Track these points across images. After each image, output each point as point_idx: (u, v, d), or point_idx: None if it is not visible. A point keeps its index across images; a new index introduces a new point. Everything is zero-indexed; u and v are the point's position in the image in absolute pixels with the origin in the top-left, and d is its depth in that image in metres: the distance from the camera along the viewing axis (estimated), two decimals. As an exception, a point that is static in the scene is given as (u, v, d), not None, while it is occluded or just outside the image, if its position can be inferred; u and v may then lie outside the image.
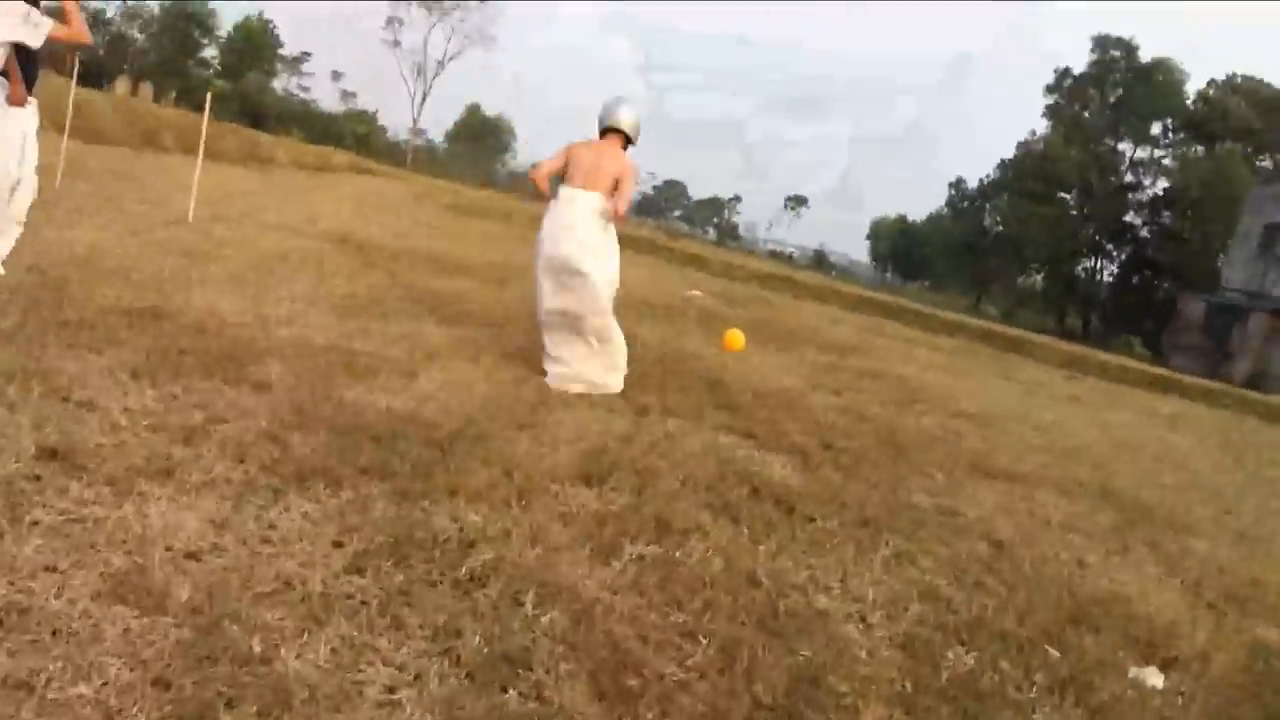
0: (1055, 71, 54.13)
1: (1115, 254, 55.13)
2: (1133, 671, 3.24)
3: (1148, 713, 2.94)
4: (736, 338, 9.40)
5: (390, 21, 63.65)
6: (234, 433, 3.42)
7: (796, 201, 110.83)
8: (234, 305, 5.59)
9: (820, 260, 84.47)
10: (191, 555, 2.43)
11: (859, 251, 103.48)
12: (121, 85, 44.57)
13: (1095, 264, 55.93)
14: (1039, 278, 59.20)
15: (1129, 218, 53.44)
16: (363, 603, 2.40)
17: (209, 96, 10.91)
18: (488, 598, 2.59)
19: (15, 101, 4.70)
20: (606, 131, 5.62)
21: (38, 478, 2.64)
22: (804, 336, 12.09)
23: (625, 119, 5.59)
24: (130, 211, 8.60)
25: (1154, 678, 3.24)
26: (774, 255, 79.37)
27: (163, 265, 6.28)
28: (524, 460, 3.91)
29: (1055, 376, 16.87)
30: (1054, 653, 3.21)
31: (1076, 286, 56.13)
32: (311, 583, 2.43)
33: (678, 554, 3.25)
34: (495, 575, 2.72)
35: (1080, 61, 55.01)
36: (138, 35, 59.26)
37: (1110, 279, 56.14)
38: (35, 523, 2.39)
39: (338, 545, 2.70)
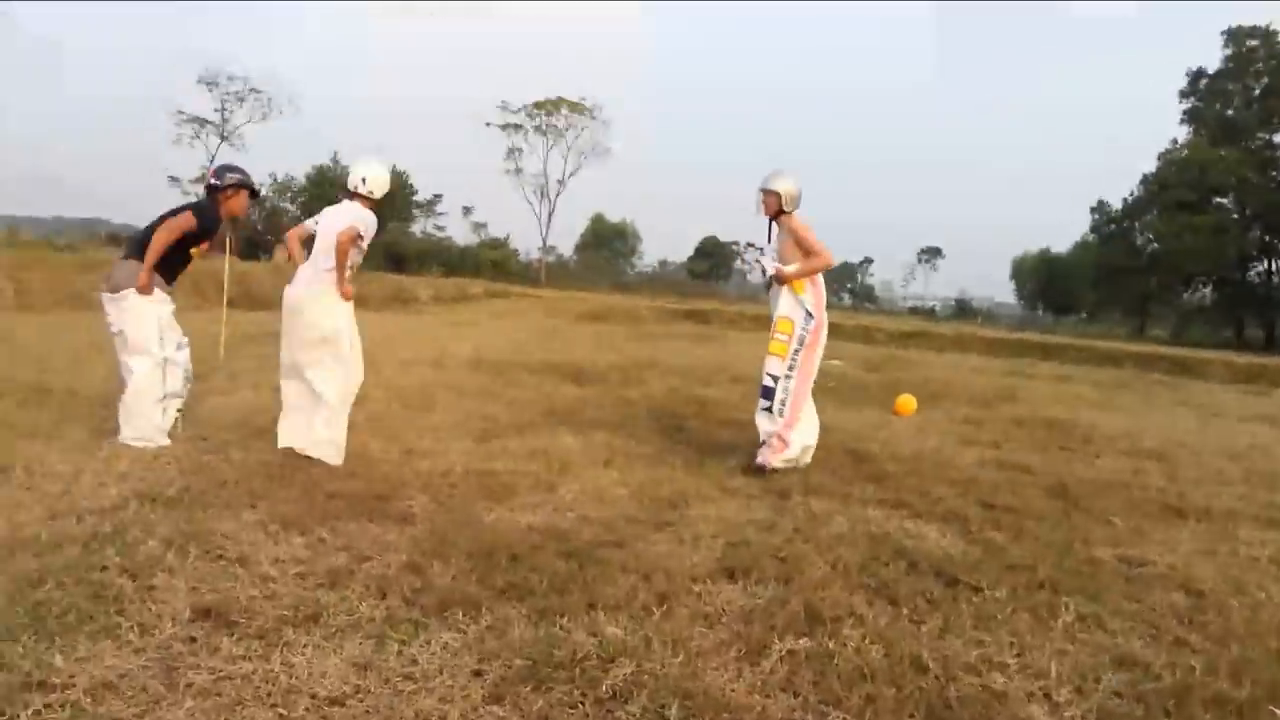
0: (1188, 73, 51.28)
1: (1291, 253, 50.73)
2: (1383, 728, 2.79)
3: None
4: (909, 403, 9.14)
5: (510, 152, 67.28)
6: (377, 569, 3.49)
7: (931, 253, 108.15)
8: (379, 445, 5.83)
9: (963, 309, 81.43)
10: (335, 701, 2.45)
11: (1004, 293, 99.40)
12: (280, 253, 48.52)
13: (1269, 266, 51.49)
14: (1207, 291, 54.91)
15: (1299, 212, 49.22)
16: (503, 734, 2.35)
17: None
18: (630, 715, 2.49)
19: (142, 289, 5.20)
20: (760, 193, 5.78)
21: (193, 639, 2.76)
22: (947, 391, 11.56)
23: (773, 182, 5.71)
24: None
25: None
26: (914, 312, 77.25)
27: (313, 415, 6.63)
28: (663, 562, 3.82)
29: (1238, 395, 15.45)
30: (1281, 714, 2.80)
31: (1252, 294, 51.71)
32: (451, 718, 2.40)
33: (831, 645, 3.05)
34: (637, 690, 2.62)
35: (1213, 59, 52.05)
36: (289, 206, 64.81)
37: (1290, 280, 51.52)
38: (189, 685, 2.48)
39: (477, 674, 2.68)
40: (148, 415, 5.24)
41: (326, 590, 3.24)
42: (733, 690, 2.69)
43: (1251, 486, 6.57)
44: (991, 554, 4.28)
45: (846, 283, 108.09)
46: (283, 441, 5.38)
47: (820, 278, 5.81)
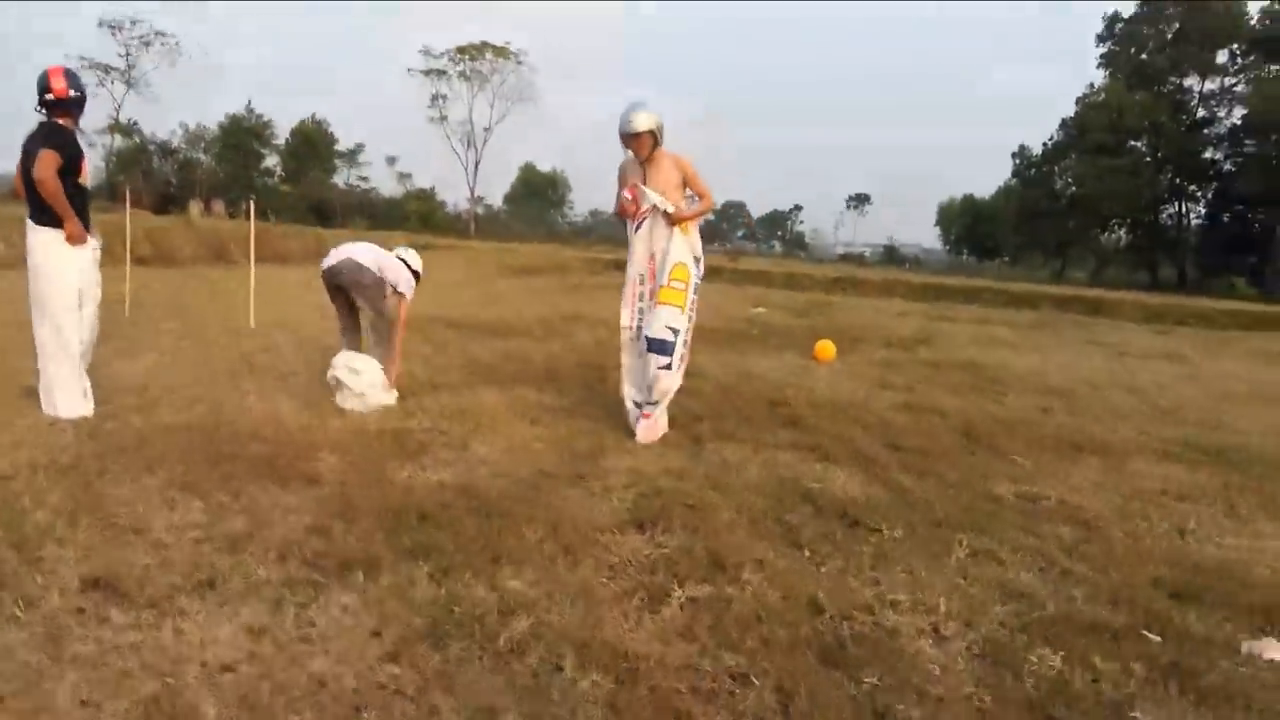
0: (1104, 18, 52.28)
1: (1200, 195, 52.52)
2: (1246, 646, 2.97)
3: (1265, 691, 2.67)
4: (828, 348, 9.30)
5: (434, 99, 65.59)
6: (279, 533, 3.44)
7: (859, 200, 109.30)
8: (291, 405, 5.70)
9: (891, 255, 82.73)
10: (226, 668, 2.42)
11: (932, 239, 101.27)
12: (194, 208, 46.69)
13: (1180, 208, 53.33)
14: (1122, 233, 56.73)
15: (1209, 154, 50.86)
16: (397, 693, 2.35)
17: (251, 203, 11.33)
18: (527, 668, 2.51)
19: (75, 239, 4.93)
20: (631, 139, 5.26)
21: (80, 610, 2.68)
22: (868, 336, 11.78)
23: (643, 122, 5.16)
24: (193, 330, 8.92)
25: (1272, 650, 2.96)
26: (845, 259, 78.21)
27: (221, 378, 6.47)
28: (574, 514, 3.84)
29: (1146, 334, 16.07)
30: (1154, 638, 2.96)
31: (1164, 235, 53.60)
32: (345, 679, 2.39)
33: (731, 590, 3.12)
34: (535, 642, 2.64)
35: (1128, 4, 53.22)
36: (203, 157, 62.33)
37: (1199, 221, 53.47)
38: (74, 657, 2.42)
39: (375, 635, 2.66)
40: (71, 383, 5.03)
41: (224, 555, 3.17)
42: (631, 638, 2.73)
43: (1150, 420, 6.88)
44: (895, 495, 4.41)
45: (777, 230, 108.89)
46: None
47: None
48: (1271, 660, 2.89)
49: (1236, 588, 3.44)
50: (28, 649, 2.46)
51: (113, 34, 54.70)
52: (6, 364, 6.01)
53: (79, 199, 5.02)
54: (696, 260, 5.32)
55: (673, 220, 5.22)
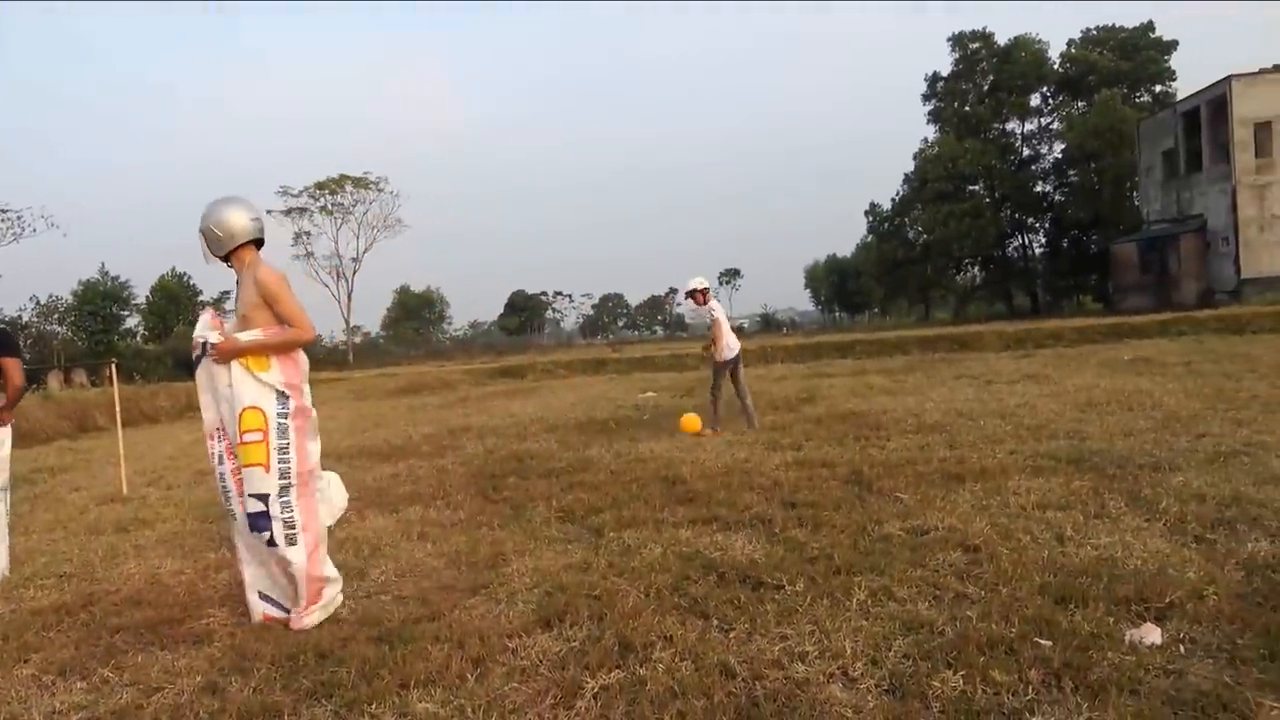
0: (925, 79, 56.54)
1: (1038, 225, 56.50)
2: (1129, 635, 3.15)
3: (1150, 673, 2.83)
4: (692, 421, 9.56)
5: (298, 237, 64.89)
6: (169, 698, 3.26)
7: (730, 274, 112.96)
8: (172, 565, 5.45)
9: (767, 322, 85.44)
10: None
11: (803, 302, 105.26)
12: (54, 380, 44.24)
13: (1023, 240, 57.24)
14: (976, 270, 60.32)
15: (1039, 188, 55.03)
16: (308, 841, 2.25)
17: (113, 368, 10.91)
18: (443, 789, 2.45)
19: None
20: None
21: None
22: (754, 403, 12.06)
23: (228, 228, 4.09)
24: (63, 503, 8.45)
25: (1151, 634, 3.15)
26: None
27: (96, 548, 6.13)
28: (479, 625, 3.78)
29: (1010, 360, 17.00)
30: (1044, 643, 3.11)
31: (1013, 267, 57.27)
32: (251, 838, 2.28)
33: (643, 671, 3.12)
34: (449, 762, 2.58)
35: (945, 64, 57.67)
36: (59, 328, 59.52)
37: (1042, 249, 57.41)
38: None
39: (280, 786, 2.55)
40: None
41: (110, 734, 2.99)
42: (547, 738, 2.70)
43: (1019, 441, 7.26)
44: (793, 550, 4.51)
45: (657, 315, 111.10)
46: None
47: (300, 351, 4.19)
48: (1153, 644, 3.07)
49: (1112, 583, 3.65)
50: None
51: (-53, 215, 52.19)
52: None
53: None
54: (282, 395, 4.03)
55: (220, 354, 3.99)
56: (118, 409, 10.28)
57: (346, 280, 66.42)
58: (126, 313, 62.43)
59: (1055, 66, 53.03)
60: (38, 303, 59.07)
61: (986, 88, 54.42)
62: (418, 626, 3.81)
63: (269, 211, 63.63)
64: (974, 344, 21.90)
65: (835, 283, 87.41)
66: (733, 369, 9.79)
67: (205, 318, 4.15)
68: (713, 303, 9.98)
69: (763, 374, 18.48)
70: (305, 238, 64.95)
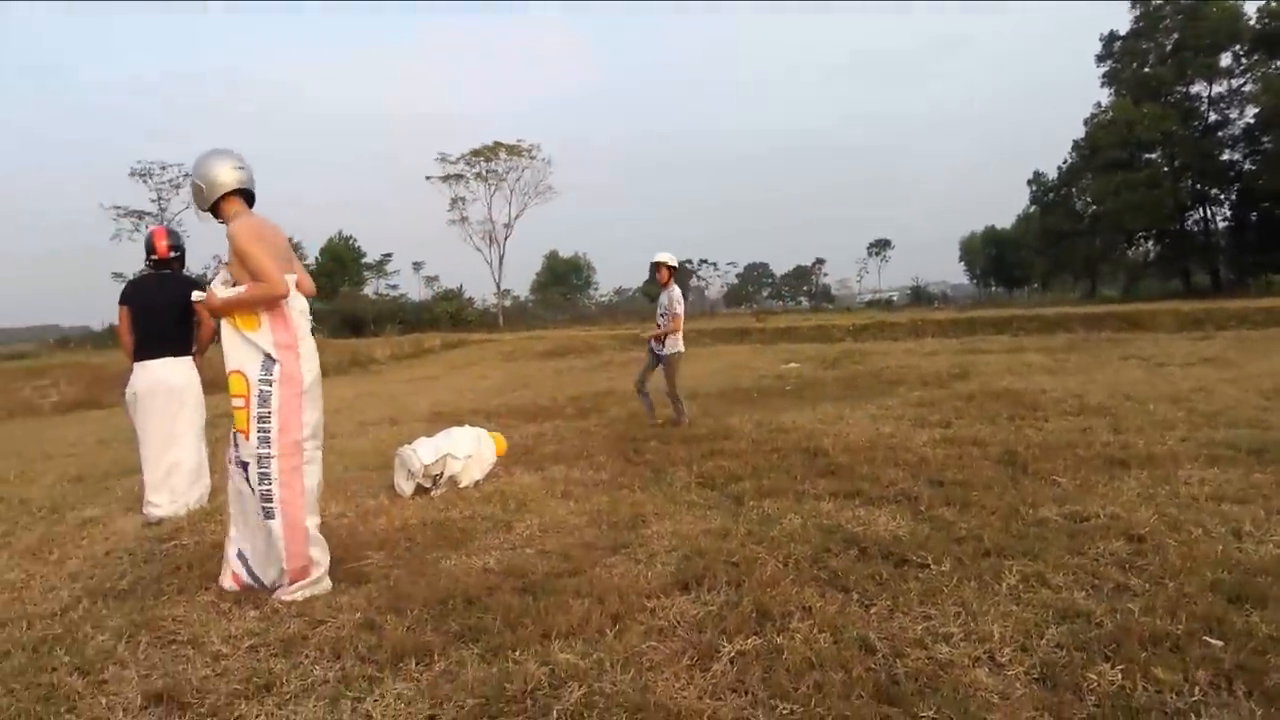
0: (1101, 38, 52.70)
1: (1224, 197, 52.00)
2: (1313, 640, 2.89)
3: (1337, 683, 2.60)
4: (500, 442, 7.37)
5: (454, 202, 67.54)
6: (331, 632, 3.49)
7: (880, 245, 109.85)
8: (335, 508, 5.80)
9: (919, 296, 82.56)
10: (288, 767, 2.46)
11: (958, 275, 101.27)
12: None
13: (1206, 213, 52.82)
14: (1150, 245, 56.13)
15: (1226, 156, 50.50)
16: (456, 774, 2.37)
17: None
18: (581, 738, 2.52)
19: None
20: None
21: (144, 726, 2.75)
22: (903, 377, 11.72)
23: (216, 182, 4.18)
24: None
25: (1341, 642, 2.88)
26: (872, 305, 78.15)
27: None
28: (618, 583, 3.85)
29: (1185, 342, 15.81)
30: (1215, 643, 2.90)
31: (1192, 242, 52.96)
32: (404, 766, 2.42)
33: (780, 640, 3.11)
34: (588, 711, 2.65)
35: (1123, 22, 53.58)
36: (239, 290, 64.15)
37: (1226, 223, 52.82)
38: (140, 773, 2.48)
39: (431, 719, 2.69)
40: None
41: (280, 659, 3.23)
42: (683, 698, 2.73)
43: (1193, 428, 6.76)
44: (939, 529, 4.37)
45: (802, 285, 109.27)
46: None
47: (289, 307, 4.03)
48: (1341, 652, 2.81)
49: (1298, 583, 3.36)
50: (97, 769, 2.52)
51: (143, 181, 57.05)
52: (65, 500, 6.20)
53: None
54: (268, 358, 3.92)
55: (211, 309, 4.01)
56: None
57: (499, 245, 68.66)
58: (302, 270, 66.71)
59: (1251, 22, 48.14)
60: (220, 262, 63.93)
61: (1170, 47, 50.11)
62: (560, 580, 3.93)
63: (427, 178, 66.44)
64: (1145, 323, 20.48)
65: (992, 255, 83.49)
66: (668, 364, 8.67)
67: (224, 272, 4.10)
68: (675, 290, 8.70)
69: (913, 348, 17.93)
70: (461, 204, 67.45)
